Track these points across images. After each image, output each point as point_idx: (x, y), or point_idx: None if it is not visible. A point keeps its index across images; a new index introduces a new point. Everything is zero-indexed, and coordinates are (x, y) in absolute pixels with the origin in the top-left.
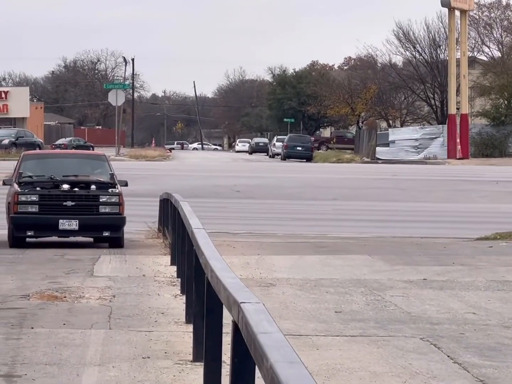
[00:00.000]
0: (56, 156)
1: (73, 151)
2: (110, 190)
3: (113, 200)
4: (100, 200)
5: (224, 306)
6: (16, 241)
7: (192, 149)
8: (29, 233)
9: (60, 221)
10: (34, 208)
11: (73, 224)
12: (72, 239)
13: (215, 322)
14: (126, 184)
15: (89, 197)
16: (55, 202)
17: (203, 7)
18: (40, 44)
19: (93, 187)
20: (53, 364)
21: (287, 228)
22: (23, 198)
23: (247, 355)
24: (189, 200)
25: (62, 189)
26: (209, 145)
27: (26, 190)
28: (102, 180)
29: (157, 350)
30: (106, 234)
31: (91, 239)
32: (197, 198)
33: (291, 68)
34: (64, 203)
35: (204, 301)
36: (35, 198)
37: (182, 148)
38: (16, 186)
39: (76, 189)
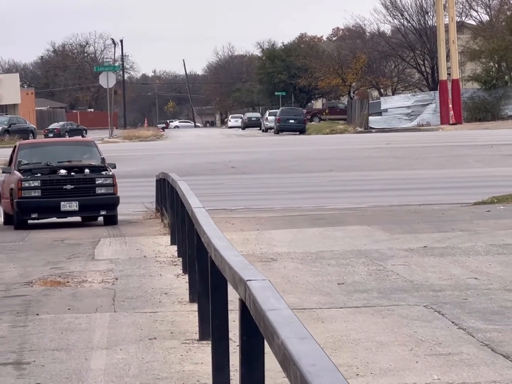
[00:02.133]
0: (49, 144)
1: (64, 139)
2: (104, 172)
3: (108, 182)
4: (96, 182)
5: (229, 284)
6: (21, 223)
7: (174, 127)
8: (33, 216)
9: (62, 203)
10: (37, 193)
11: (74, 206)
12: (70, 219)
13: (220, 301)
14: (114, 167)
15: (86, 180)
16: (56, 186)
17: None
18: (28, 29)
19: (86, 171)
20: (61, 349)
21: (284, 202)
22: (26, 184)
23: (255, 333)
24: (185, 178)
25: (60, 174)
26: (190, 122)
27: (28, 177)
28: (94, 164)
29: (163, 330)
30: (103, 213)
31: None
32: (192, 176)
33: (280, 41)
34: (64, 187)
35: (209, 280)
36: (37, 184)
37: (167, 127)
38: (17, 173)
39: (73, 173)
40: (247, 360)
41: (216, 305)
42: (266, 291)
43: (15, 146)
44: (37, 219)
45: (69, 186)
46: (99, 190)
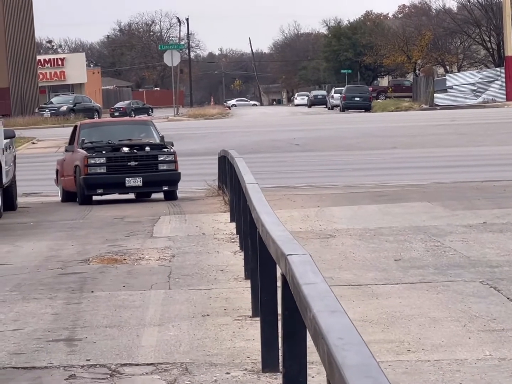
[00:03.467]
0: (108, 124)
1: (123, 118)
2: (165, 150)
3: (170, 158)
4: (159, 159)
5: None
6: (86, 199)
7: (231, 106)
8: (99, 191)
9: (126, 179)
10: (103, 169)
11: (138, 181)
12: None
13: (268, 277)
14: (172, 145)
15: (149, 157)
16: (121, 163)
17: None
18: (94, 9)
19: (147, 148)
20: (113, 326)
21: (347, 179)
22: (92, 161)
23: (295, 307)
24: (249, 156)
25: (124, 151)
26: (247, 101)
27: (94, 154)
28: (153, 142)
29: (217, 307)
30: (165, 188)
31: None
32: (256, 153)
33: (346, 19)
34: (128, 163)
35: (257, 256)
36: (103, 160)
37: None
38: (81, 151)
39: (136, 150)
40: (288, 335)
41: (264, 280)
42: (305, 265)
43: (75, 126)
44: (102, 194)
45: (133, 163)
46: (161, 167)
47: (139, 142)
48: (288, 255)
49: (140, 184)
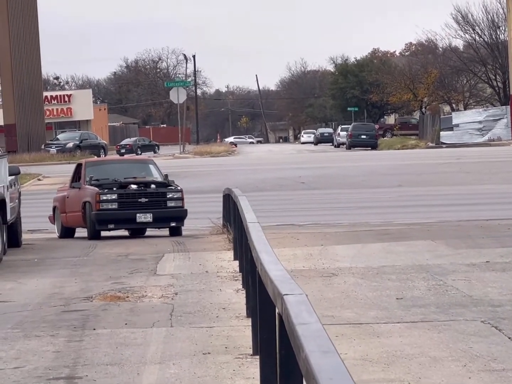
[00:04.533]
0: (112, 162)
1: (125, 157)
2: (172, 187)
3: (177, 196)
4: (167, 196)
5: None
6: (96, 234)
7: (229, 143)
8: (110, 226)
9: (138, 214)
10: (114, 205)
11: (148, 217)
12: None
13: (267, 315)
14: (173, 182)
15: (159, 194)
16: (132, 199)
17: (259, 1)
18: (101, 46)
19: (153, 186)
20: (114, 364)
21: (352, 217)
22: (104, 197)
23: (291, 347)
24: (254, 194)
25: (132, 188)
26: (245, 139)
27: (105, 190)
28: (158, 180)
29: (218, 345)
30: (172, 224)
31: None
32: (262, 191)
33: (353, 57)
34: (139, 200)
35: (257, 294)
36: (114, 197)
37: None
38: (91, 187)
39: (145, 187)
40: (285, 374)
41: (263, 319)
42: (301, 305)
43: (78, 164)
44: (113, 229)
45: (143, 199)
46: (169, 203)
47: (144, 180)
48: (284, 294)
49: (151, 220)
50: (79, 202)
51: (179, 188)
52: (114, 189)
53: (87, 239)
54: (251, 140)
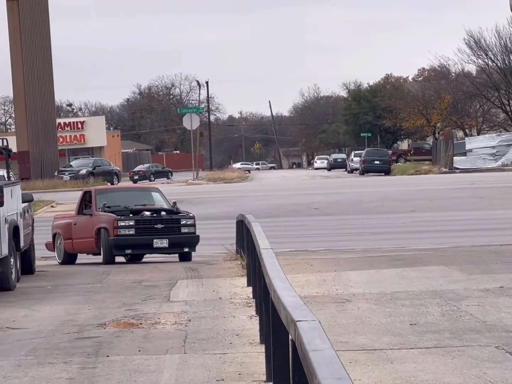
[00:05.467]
0: (120, 190)
1: (133, 185)
2: (185, 214)
3: (190, 222)
4: (181, 223)
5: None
6: (111, 258)
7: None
8: (128, 251)
9: (154, 240)
10: (132, 231)
11: (164, 243)
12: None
13: (281, 342)
14: (179, 209)
15: (173, 220)
16: (148, 225)
17: (272, 27)
18: (114, 72)
19: (163, 213)
20: None
21: (365, 243)
22: (122, 223)
23: (305, 373)
24: (268, 220)
25: (146, 215)
26: (251, 165)
27: (122, 217)
28: (167, 207)
29: (231, 372)
30: (186, 249)
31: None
32: (275, 217)
33: (365, 82)
34: (155, 226)
35: (270, 321)
36: (132, 223)
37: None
38: (104, 214)
39: (156, 214)
40: None
41: (276, 346)
42: (314, 331)
43: (85, 192)
44: (130, 255)
45: (159, 226)
46: (183, 230)
47: (154, 207)
48: (297, 321)
49: (167, 245)
50: (91, 228)
51: (191, 214)
52: (131, 215)
53: (97, 265)
54: (257, 166)
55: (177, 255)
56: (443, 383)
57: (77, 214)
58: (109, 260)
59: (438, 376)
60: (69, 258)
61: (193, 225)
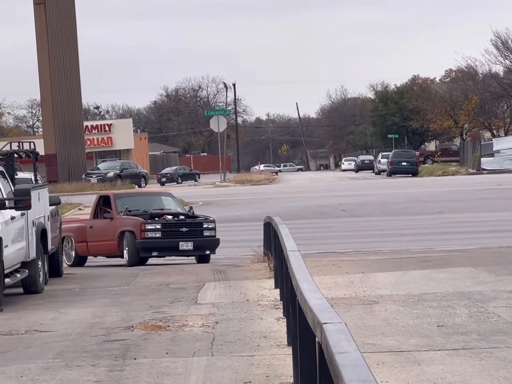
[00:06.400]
0: (137, 194)
1: (147, 190)
2: (207, 218)
3: (211, 226)
4: (203, 226)
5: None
6: (136, 261)
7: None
8: (154, 254)
9: (180, 243)
10: (158, 234)
11: (189, 245)
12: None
13: (307, 344)
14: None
15: (197, 224)
16: (174, 229)
17: (298, 29)
18: (141, 75)
19: (181, 217)
20: None
21: (393, 244)
22: (149, 226)
23: (331, 376)
24: (295, 222)
25: (172, 219)
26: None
27: (149, 220)
28: (182, 211)
29: (259, 374)
30: (207, 252)
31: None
32: (302, 219)
33: (393, 83)
34: (181, 229)
35: (297, 323)
36: (159, 226)
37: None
38: (131, 217)
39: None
40: None
41: (303, 348)
42: (340, 334)
43: (100, 196)
44: (157, 257)
45: (184, 229)
46: (205, 233)
47: (171, 211)
48: (323, 323)
49: (191, 248)
50: (113, 231)
51: (211, 218)
52: (156, 219)
53: (123, 267)
54: (278, 168)
55: (182, 257)
56: None
57: (93, 218)
58: (134, 262)
59: (465, 378)
60: (80, 261)
61: (214, 229)
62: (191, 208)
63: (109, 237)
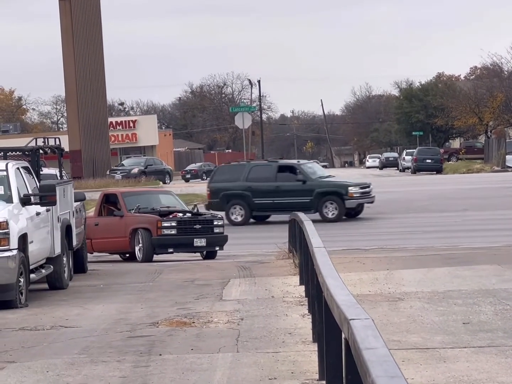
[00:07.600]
0: (141, 193)
1: (150, 188)
2: (215, 215)
3: (220, 223)
4: (214, 223)
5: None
6: (150, 257)
7: None
8: (170, 250)
9: (195, 239)
10: (174, 231)
11: (203, 242)
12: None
13: (334, 340)
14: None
15: (208, 221)
16: (188, 226)
17: (323, 26)
18: (166, 71)
19: (188, 214)
20: None
21: (417, 241)
22: (165, 223)
23: (358, 372)
24: (319, 219)
25: (187, 216)
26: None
27: (165, 218)
28: (185, 209)
29: (284, 370)
30: (217, 248)
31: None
32: None
33: (417, 81)
34: (195, 226)
35: (323, 319)
36: (174, 223)
37: None
38: (145, 215)
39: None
40: None
41: (329, 344)
42: (367, 330)
43: (105, 194)
44: (172, 253)
45: (197, 226)
46: (216, 230)
47: (176, 209)
48: (350, 319)
49: (204, 244)
50: (124, 228)
51: (219, 216)
52: (170, 216)
53: (143, 263)
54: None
55: (187, 254)
56: (497, 382)
57: (98, 215)
58: (148, 259)
59: (491, 375)
60: None
61: (222, 226)
62: (195, 206)
63: (119, 234)
